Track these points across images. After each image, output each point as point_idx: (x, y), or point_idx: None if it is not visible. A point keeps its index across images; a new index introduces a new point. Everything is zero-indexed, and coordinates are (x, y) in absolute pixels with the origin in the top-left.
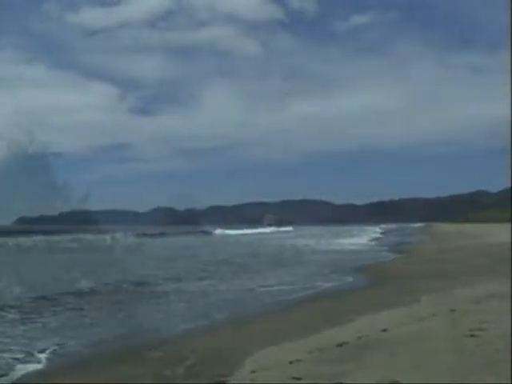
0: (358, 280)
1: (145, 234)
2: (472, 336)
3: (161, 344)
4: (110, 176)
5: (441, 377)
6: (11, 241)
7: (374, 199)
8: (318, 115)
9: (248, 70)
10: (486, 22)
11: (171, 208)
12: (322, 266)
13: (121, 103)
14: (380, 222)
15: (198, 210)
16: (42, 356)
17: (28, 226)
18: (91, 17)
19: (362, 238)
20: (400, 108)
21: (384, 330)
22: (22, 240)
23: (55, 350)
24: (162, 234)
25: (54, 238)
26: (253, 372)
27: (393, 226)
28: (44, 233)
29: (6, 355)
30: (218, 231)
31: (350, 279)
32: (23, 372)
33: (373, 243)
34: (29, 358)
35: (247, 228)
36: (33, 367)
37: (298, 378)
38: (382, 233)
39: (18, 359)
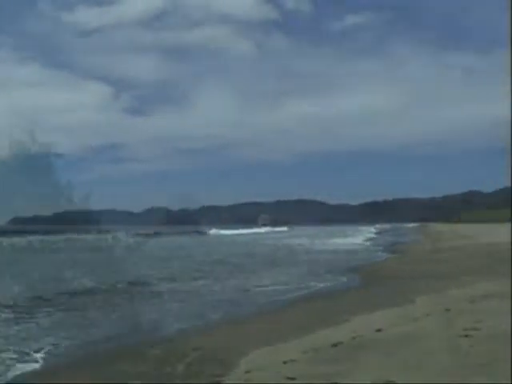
0: (353, 280)
1: (139, 234)
2: (466, 336)
3: (155, 344)
4: (104, 176)
5: (435, 376)
6: (5, 241)
7: (369, 199)
8: (313, 115)
9: (242, 70)
10: (480, 22)
11: (166, 208)
12: (317, 266)
13: (115, 103)
14: (374, 222)
15: (192, 210)
16: (39, 355)
17: (22, 226)
18: (86, 16)
19: (357, 238)
20: (394, 108)
21: (379, 330)
22: (17, 240)
23: (50, 349)
24: (156, 234)
25: (49, 238)
26: (247, 372)
27: (387, 226)
28: (38, 233)
29: (3, 355)
30: (213, 231)
31: (344, 279)
32: (21, 371)
33: (368, 243)
34: (26, 357)
35: (242, 228)
36: (31, 366)
37: (293, 378)
38: (376, 233)
39: (15, 359)
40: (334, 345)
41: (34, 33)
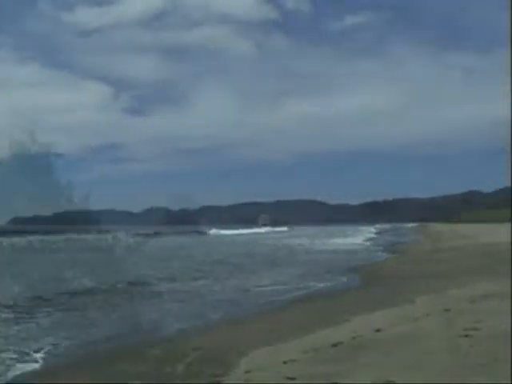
0: (353, 280)
1: (138, 234)
2: (466, 336)
3: (155, 344)
4: (104, 176)
5: (435, 376)
6: (6, 241)
7: (369, 199)
8: (312, 115)
9: (242, 70)
10: (480, 22)
11: (165, 208)
12: (317, 266)
13: (114, 103)
14: (374, 222)
15: (192, 210)
16: (39, 355)
17: (22, 226)
18: (86, 16)
19: (357, 238)
20: (393, 108)
21: (378, 330)
22: (17, 240)
23: (50, 349)
24: (156, 234)
25: (49, 238)
26: (247, 372)
27: (387, 226)
28: (38, 233)
29: (3, 355)
30: (213, 231)
31: (344, 279)
32: (22, 371)
33: (367, 243)
34: (26, 357)
35: (242, 228)
36: (31, 366)
37: (293, 378)
38: (376, 233)
39: (15, 359)
40: (334, 345)
41: (33, 33)
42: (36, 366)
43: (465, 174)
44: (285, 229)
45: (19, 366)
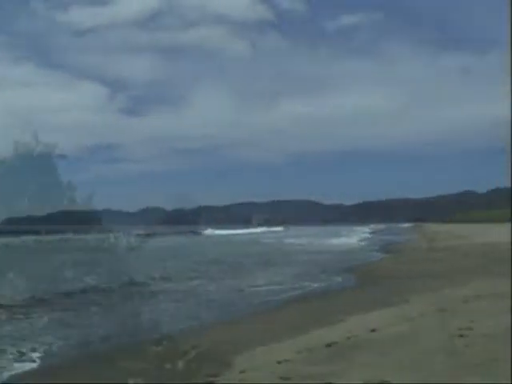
0: (348, 280)
1: (134, 235)
2: (461, 336)
3: (151, 344)
4: (100, 176)
5: (430, 376)
6: (5, 241)
7: (363, 199)
8: (308, 115)
9: (238, 71)
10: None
11: (162, 208)
12: (312, 265)
13: (110, 103)
14: (369, 223)
15: (187, 210)
16: (36, 355)
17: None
18: (80, 16)
19: (352, 238)
20: (391, 109)
21: (373, 330)
22: (17, 240)
23: (46, 349)
24: (152, 234)
25: (49, 238)
26: (242, 372)
27: (382, 226)
28: (38, 233)
29: (0, 355)
30: (209, 231)
31: (339, 279)
32: (18, 371)
33: (362, 243)
34: (23, 357)
35: (237, 228)
36: (28, 366)
37: (287, 378)
38: (371, 233)
39: (12, 358)
40: (329, 345)
41: (28, 32)
42: (33, 365)
43: (460, 174)
44: (280, 229)
45: (16, 365)
